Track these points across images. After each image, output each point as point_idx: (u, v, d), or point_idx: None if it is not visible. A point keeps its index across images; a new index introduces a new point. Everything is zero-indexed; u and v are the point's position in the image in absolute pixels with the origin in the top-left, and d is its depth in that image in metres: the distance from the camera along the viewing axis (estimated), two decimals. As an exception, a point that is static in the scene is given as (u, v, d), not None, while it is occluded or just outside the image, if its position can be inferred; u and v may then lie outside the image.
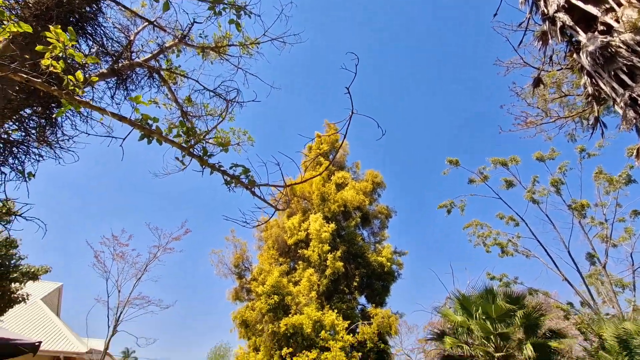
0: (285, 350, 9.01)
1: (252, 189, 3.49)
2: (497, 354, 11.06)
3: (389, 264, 12.05)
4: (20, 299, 9.80)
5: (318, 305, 10.38)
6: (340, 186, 13.40)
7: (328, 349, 8.92)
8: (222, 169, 3.27)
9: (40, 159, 3.26)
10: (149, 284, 42.06)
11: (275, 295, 9.77)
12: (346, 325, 9.78)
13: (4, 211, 3.12)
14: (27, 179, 3.13)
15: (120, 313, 11.57)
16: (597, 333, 12.43)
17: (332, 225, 11.53)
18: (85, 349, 15.03)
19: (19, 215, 2.92)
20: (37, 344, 5.01)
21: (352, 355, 9.46)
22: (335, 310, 10.09)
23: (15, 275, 9.64)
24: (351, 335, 9.71)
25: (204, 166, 3.21)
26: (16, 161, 3.23)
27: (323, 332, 9.23)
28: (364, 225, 13.80)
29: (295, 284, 11.20)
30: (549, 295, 16.28)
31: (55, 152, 3.34)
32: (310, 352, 8.83)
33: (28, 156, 3.20)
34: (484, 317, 11.46)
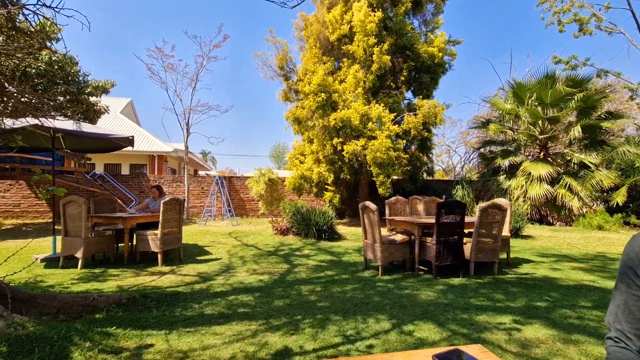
0: (336, 140, 10.06)
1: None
2: (541, 136, 11.38)
3: (440, 54, 11.17)
4: (103, 110, 11.19)
5: (364, 100, 10.64)
6: (388, -39, 10.96)
7: (375, 138, 9.77)
8: None
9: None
10: (205, 92, 45.41)
11: (322, 94, 10.03)
12: (392, 117, 10.24)
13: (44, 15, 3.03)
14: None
15: (188, 118, 13.06)
16: (662, 111, 11.82)
17: (379, 14, 10.22)
18: (170, 149, 18.09)
19: (55, 9, 2.83)
20: (131, 137, 6.03)
21: (397, 142, 10.35)
22: (382, 104, 10.36)
23: (89, 89, 10.67)
24: (397, 125, 10.30)
25: None
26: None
27: (370, 123, 9.85)
28: (415, 11, 12.03)
29: (341, 82, 11.21)
30: (620, 76, 14.82)
31: None
32: (359, 140, 9.77)
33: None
34: (536, 104, 11.16)
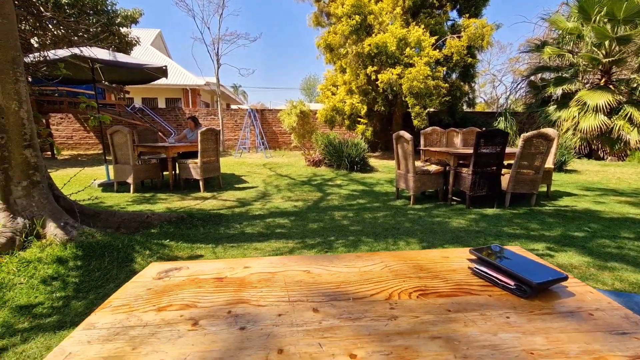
0: (370, 69, 9.50)
1: None
2: (605, 60, 10.07)
3: (495, -38, 9.62)
4: (134, 41, 11.13)
5: (403, 22, 9.71)
6: None
7: (412, 65, 9.10)
8: None
9: None
10: (233, 19, 43.20)
11: (356, 16, 9.23)
12: (433, 42, 9.37)
13: None
14: None
15: (217, 48, 12.73)
16: None
17: None
18: (203, 82, 18.08)
19: None
20: (164, 67, 6.05)
21: (436, 70, 9.61)
22: (422, 26, 9.42)
23: (119, 20, 10.52)
24: (437, 51, 9.45)
25: None
26: None
27: (408, 49, 9.10)
28: None
29: (377, 1, 10.19)
30: None
31: None
32: (395, 68, 9.16)
33: None
34: (605, 20, 9.64)
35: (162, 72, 6.20)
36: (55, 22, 3.22)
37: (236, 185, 6.36)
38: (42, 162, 2.90)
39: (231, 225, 3.85)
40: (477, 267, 0.71)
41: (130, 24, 11.18)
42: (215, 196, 5.44)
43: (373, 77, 9.57)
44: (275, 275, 0.74)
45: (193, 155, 5.99)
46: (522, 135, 4.49)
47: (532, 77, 12.43)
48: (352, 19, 9.20)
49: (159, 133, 9.93)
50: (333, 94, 11.57)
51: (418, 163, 5.22)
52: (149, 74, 6.51)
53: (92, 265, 2.53)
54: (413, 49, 9.21)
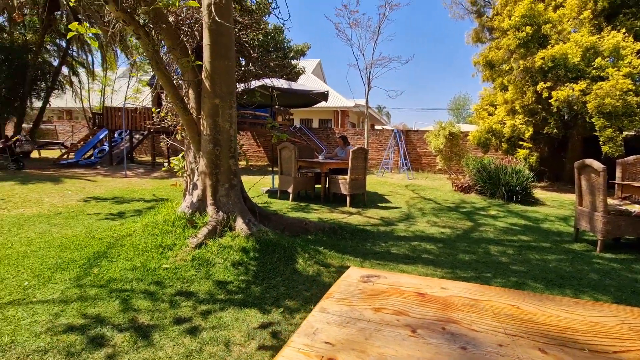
0: (541, 85, 8.19)
1: None
2: None
3: None
4: (301, 71, 12.95)
5: (592, 28, 8.06)
6: None
7: (604, 78, 7.38)
8: None
9: None
10: (387, 44, 45.12)
11: (526, 27, 8.20)
12: (638, 48, 7.41)
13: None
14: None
15: (369, 72, 13.47)
16: None
17: None
18: (352, 104, 19.42)
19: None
20: (325, 92, 6.81)
21: (641, 83, 7.52)
22: (622, 30, 7.58)
23: (292, 54, 12.49)
24: (645, 59, 7.41)
25: None
26: None
27: (598, 59, 7.46)
28: None
29: (556, 8, 8.81)
30: None
31: None
32: (577, 83, 7.63)
33: None
34: None
35: (323, 96, 6.99)
36: (254, 60, 4.08)
37: (379, 204, 6.48)
38: (239, 170, 3.68)
39: (377, 242, 3.93)
40: None
41: (300, 56, 13.09)
42: (360, 212, 5.67)
43: (545, 94, 8.22)
44: (479, 302, 0.72)
45: (342, 171, 6.45)
46: None
47: None
48: (521, 32, 8.22)
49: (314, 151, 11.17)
50: (490, 114, 10.51)
51: (612, 200, 4.15)
52: (312, 99, 7.45)
53: (266, 259, 3.02)
54: (606, 59, 7.49)
